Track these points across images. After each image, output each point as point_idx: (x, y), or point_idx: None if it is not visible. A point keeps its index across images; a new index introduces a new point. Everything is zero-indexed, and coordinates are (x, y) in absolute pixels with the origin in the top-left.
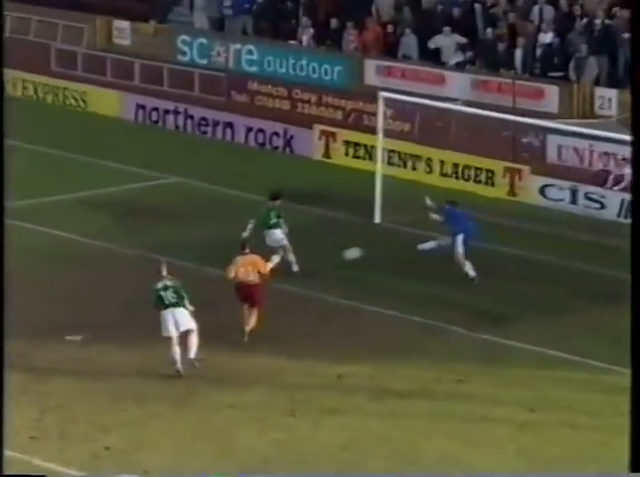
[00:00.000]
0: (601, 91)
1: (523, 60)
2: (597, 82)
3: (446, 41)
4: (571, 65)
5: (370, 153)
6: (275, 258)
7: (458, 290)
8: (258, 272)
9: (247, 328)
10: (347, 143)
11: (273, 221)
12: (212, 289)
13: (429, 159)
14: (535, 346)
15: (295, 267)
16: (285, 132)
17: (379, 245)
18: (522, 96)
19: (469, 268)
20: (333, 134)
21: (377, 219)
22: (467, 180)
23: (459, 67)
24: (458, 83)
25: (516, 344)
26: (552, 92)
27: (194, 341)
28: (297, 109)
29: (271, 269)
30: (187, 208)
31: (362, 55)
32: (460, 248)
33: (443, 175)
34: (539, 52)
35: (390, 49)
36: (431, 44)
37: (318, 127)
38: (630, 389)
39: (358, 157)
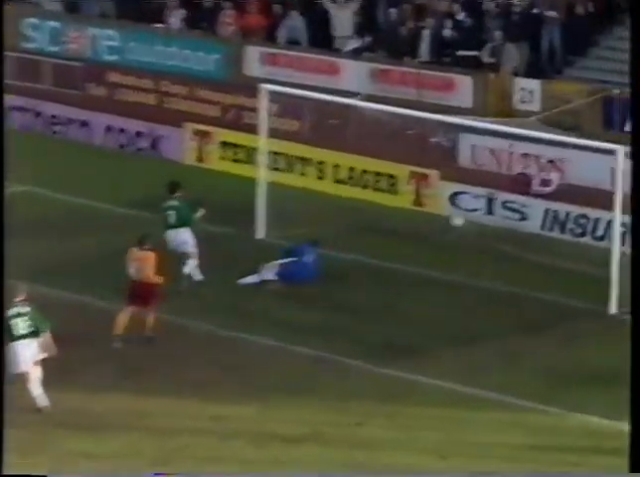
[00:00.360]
0: (522, 83)
1: (430, 46)
2: (517, 73)
3: (341, 24)
4: (486, 52)
5: (251, 156)
6: (191, 263)
7: (356, 318)
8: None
9: (117, 331)
10: (224, 145)
11: (172, 219)
12: (67, 317)
13: (321, 163)
14: (446, 381)
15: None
16: (151, 132)
17: (260, 263)
18: (429, 89)
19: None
20: (208, 134)
21: (259, 234)
22: (365, 187)
23: (356, 54)
24: (355, 74)
25: (424, 379)
26: (464, 84)
27: (36, 378)
28: (165, 105)
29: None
30: (35, 221)
31: (241, 40)
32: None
33: (338, 181)
34: (448, 36)
35: (274, 33)
36: (323, 28)
37: (190, 126)
38: (630, 389)
39: (237, 161)
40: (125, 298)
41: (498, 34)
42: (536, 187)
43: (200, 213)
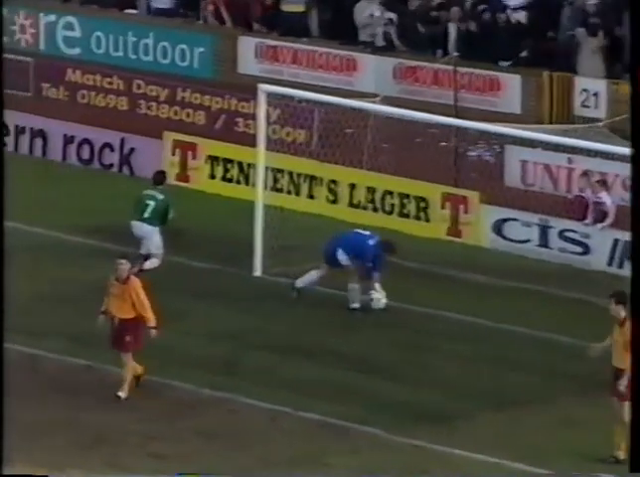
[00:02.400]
0: (585, 83)
1: (464, 38)
2: (576, 70)
3: (363, 10)
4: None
5: (246, 174)
6: (153, 262)
7: (372, 375)
8: (132, 302)
9: (122, 392)
10: (213, 159)
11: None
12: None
13: (334, 182)
14: (482, 453)
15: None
16: (122, 144)
17: (258, 309)
18: (468, 90)
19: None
20: (192, 146)
21: (256, 270)
22: (389, 212)
23: (376, 47)
24: (376, 72)
25: (459, 452)
26: (511, 85)
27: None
28: (140, 110)
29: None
30: None
31: (234, 29)
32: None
33: (354, 205)
34: (493, 27)
35: (275, 20)
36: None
37: (170, 136)
38: (630, 388)
39: (229, 180)
40: (112, 343)
41: (566, 25)
42: (595, 212)
43: (171, 214)
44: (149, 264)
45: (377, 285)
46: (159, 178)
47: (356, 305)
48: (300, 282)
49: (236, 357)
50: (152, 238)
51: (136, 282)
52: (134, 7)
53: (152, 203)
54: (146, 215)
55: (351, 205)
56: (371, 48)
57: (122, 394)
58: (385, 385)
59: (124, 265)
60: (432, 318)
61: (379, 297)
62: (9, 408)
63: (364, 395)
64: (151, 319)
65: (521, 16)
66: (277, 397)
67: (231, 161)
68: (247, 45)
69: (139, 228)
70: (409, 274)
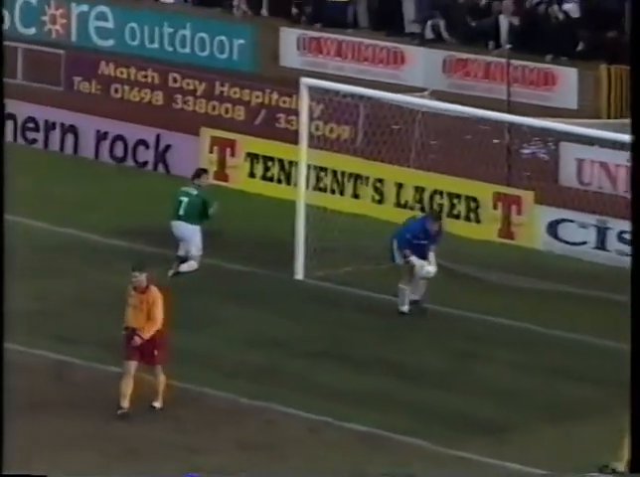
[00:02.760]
0: None
1: (516, 30)
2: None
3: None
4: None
5: (288, 172)
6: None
7: (417, 383)
8: (149, 313)
9: (157, 402)
10: (253, 157)
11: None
12: (45, 382)
13: (380, 181)
14: (538, 468)
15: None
16: (157, 140)
17: (299, 314)
18: (521, 84)
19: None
20: (231, 143)
21: (298, 273)
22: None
23: (425, 39)
24: (424, 65)
25: (510, 465)
26: (568, 78)
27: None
28: (176, 105)
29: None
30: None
31: (276, 20)
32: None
33: (401, 205)
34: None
35: (319, 10)
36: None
37: (208, 133)
38: (630, 388)
39: (269, 179)
40: (126, 353)
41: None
42: None
43: (212, 209)
44: (186, 267)
45: (431, 254)
46: (196, 173)
47: (404, 308)
48: (416, 295)
49: (275, 364)
50: (192, 238)
51: (156, 293)
52: None
53: (185, 199)
54: (181, 212)
55: (397, 205)
56: (419, 40)
57: (157, 404)
58: (432, 394)
59: (140, 275)
60: (483, 324)
61: (429, 269)
62: (37, 418)
63: (409, 404)
64: (148, 331)
65: (575, 8)
66: (318, 406)
67: (271, 159)
68: (290, 36)
69: (177, 227)
70: (458, 278)
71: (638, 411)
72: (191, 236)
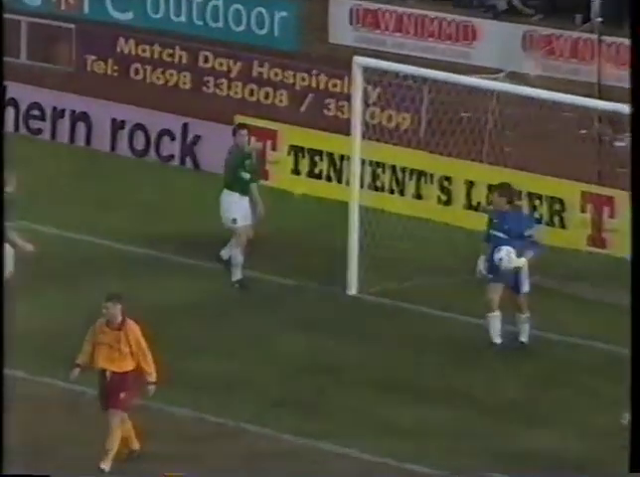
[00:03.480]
0: None
1: (610, 1)
2: None
3: None
4: None
5: (339, 168)
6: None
7: (497, 417)
8: (130, 352)
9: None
10: (297, 150)
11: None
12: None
13: (446, 179)
14: None
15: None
16: (184, 131)
17: (353, 336)
18: (615, 64)
19: None
20: (272, 134)
21: (351, 288)
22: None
23: (499, 11)
24: (500, 42)
25: None
26: None
27: None
28: (207, 89)
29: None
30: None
31: None
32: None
33: (472, 207)
34: None
35: None
36: None
37: (244, 122)
38: (630, 388)
39: (317, 176)
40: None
41: None
42: None
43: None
44: (227, 252)
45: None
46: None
47: (497, 340)
48: (523, 336)
49: (324, 395)
50: (237, 210)
51: (134, 327)
52: None
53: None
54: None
55: (468, 207)
56: (493, 12)
57: (105, 466)
58: (514, 429)
59: (114, 308)
60: (572, 348)
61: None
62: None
63: (487, 441)
64: (152, 373)
65: None
66: (376, 444)
67: (319, 152)
68: (341, 8)
69: (223, 200)
70: (541, 293)
71: (638, 410)
72: (235, 207)
